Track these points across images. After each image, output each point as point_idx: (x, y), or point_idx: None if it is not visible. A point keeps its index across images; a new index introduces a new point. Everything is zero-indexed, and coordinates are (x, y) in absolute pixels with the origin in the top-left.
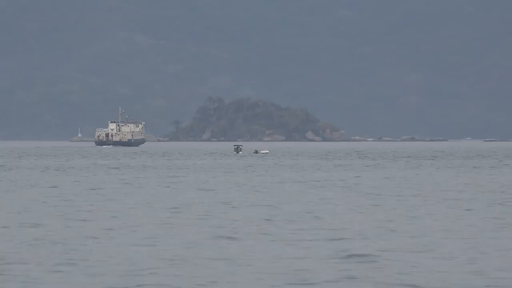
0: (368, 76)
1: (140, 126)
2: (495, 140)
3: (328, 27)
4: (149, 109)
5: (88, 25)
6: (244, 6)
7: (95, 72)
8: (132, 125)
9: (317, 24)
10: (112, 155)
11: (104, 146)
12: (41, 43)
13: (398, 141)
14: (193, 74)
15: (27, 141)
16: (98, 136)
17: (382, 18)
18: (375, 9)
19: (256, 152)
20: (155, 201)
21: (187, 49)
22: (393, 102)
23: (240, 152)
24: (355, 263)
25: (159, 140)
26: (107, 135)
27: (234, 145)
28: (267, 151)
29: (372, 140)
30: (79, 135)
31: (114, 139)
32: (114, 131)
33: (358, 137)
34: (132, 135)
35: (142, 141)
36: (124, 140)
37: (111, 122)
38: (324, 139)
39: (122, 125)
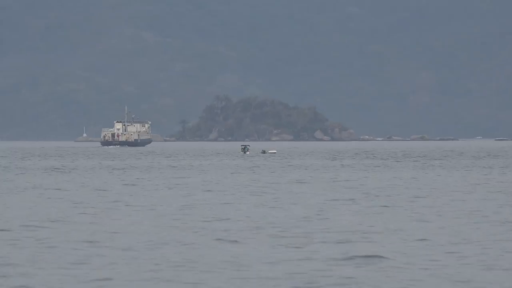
0: (377, 74)
1: (146, 126)
2: (506, 139)
3: (337, 24)
4: (156, 108)
5: (93, 22)
6: (252, 3)
7: (100, 70)
8: (138, 125)
9: (325, 22)
10: (118, 155)
11: (110, 146)
12: (46, 41)
13: (408, 140)
14: (200, 73)
15: (31, 141)
16: (104, 136)
17: (391, 15)
18: (384, 6)
19: (264, 152)
20: (159, 204)
21: (194, 46)
22: (403, 100)
23: (248, 152)
24: (363, 266)
25: (165, 140)
26: (113, 135)
27: (241, 145)
28: (275, 151)
29: (382, 140)
30: (84, 135)
31: (120, 139)
32: (120, 131)
33: (367, 137)
34: (138, 135)
35: (148, 141)
36: (130, 140)
37: (117, 122)
38: (333, 139)
39: (128, 125)
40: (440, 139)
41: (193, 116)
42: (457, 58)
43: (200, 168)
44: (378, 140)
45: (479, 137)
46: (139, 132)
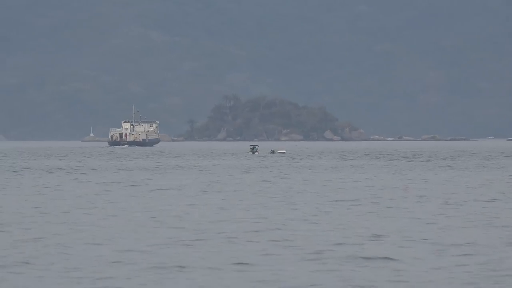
0: (387, 73)
1: (154, 125)
2: None
3: (346, 23)
4: (164, 107)
5: (100, 21)
6: (261, 2)
7: (107, 70)
8: (146, 125)
9: (335, 20)
10: (126, 155)
11: (118, 146)
12: (52, 40)
13: (419, 140)
14: (208, 72)
15: (38, 141)
16: (112, 136)
17: (401, 13)
18: (394, 4)
19: (273, 152)
20: (161, 206)
21: (203, 45)
22: (413, 100)
23: (256, 153)
24: (371, 268)
25: (173, 140)
26: (121, 135)
27: (250, 145)
28: (284, 151)
29: (392, 140)
30: (91, 134)
31: (128, 139)
32: (128, 130)
33: (377, 137)
34: (146, 135)
35: (156, 141)
36: (139, 140)
37: (124, 121)
38: (343, 139)
39: (136, 125)
40: (452, 139)
41: (202, 115)
42: (467, 57)
43: (209, 169)
44: (388, 140)
45: (491, 137)
46: (147, 132)
